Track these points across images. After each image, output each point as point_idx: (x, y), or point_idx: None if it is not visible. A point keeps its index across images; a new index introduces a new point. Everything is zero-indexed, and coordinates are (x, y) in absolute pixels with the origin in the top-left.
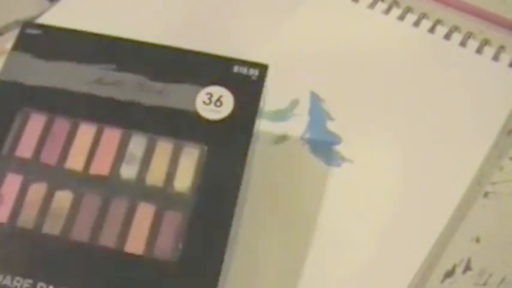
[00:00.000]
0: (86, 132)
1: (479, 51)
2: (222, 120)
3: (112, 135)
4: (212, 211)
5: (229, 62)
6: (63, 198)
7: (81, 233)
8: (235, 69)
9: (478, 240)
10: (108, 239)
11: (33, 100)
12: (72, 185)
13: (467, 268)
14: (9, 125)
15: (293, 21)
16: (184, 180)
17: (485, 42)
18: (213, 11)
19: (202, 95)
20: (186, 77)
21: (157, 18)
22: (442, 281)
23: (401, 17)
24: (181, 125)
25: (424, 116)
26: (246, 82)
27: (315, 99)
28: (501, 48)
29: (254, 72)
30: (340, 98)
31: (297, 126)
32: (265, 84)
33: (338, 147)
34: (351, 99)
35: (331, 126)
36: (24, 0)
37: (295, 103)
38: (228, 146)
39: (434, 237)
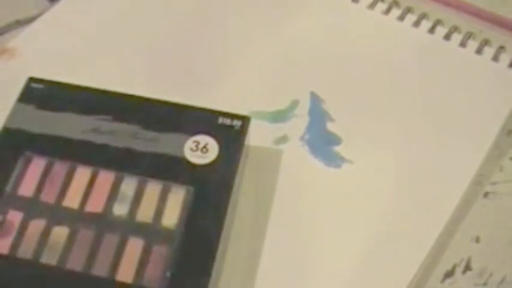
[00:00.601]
0: (82, 174)
1: (479, 51)
2: (208, 165)
3: (106, 177)
4: (197, 245)
5: (215, 114)
6: (60, 233)
7: (76, 263)
8: (220, 120)
9: (478, 240)
10: (100, 269)
11: (35, 145)
12: (69, 221)
13: (467, 268)
14: (12, 167)
15: (293, 21)
16: (171, 217)
17: (485, 42)
18: (214, 11)
19: (190, 143)
20: (176, 127)
21: (157, 21)
22: (442, 281)
23: (401, 17)
24: (170, 169)
25: (424, 116)
26: (230, 132)
27: (315, 99)
28: (501, 48)
29: (237, 123)
30: (340, 99)
31: (296, 126)
32: (247, 133)
33: (338, 148)
34: (351, 100)
35: (331, 126)
36: (24, 0)
37: (295, 103)
38: (212, 187)
39: (434, 237)
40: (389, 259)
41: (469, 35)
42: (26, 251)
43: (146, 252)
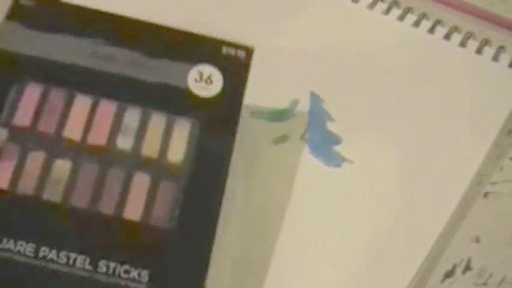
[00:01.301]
0: (82, 103)
1: (479, 51)
2: (213, 98)
3: (108, 107)
4: (205, 182)
5: (218, 43)
6: (62, 167)
7: (80, 200)
8: (224, 50)
9: (478, 240)
10: (106, 206)
11: (28, 70)
12: (71, 154)
13: (467, 268)
14: (5, 94)
15: (293, 21)
16: (177, 152)
17: (485, 42)
18: (213, 10)
19: (193, 73)
20: (178, 55)
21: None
22: (442, 281)
23: (401, 17)
24: (174, 100)
25: (424, 116)
26: (234, 63)
27: (315, 99)
28: (501, 48)
29: (241, 54)
30: (340, 98)
31: (296, 126)
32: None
33: (338, 148)
34: (351, 100)
35: (331, 126)
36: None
37: (295, 103)
38: (218, 121)
39: (434, 237)
40: (389, 259)
41: (469, 35)
42: (26, 186)
43: (153, 188)
